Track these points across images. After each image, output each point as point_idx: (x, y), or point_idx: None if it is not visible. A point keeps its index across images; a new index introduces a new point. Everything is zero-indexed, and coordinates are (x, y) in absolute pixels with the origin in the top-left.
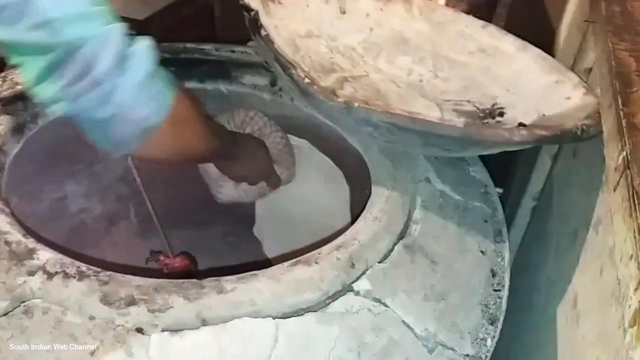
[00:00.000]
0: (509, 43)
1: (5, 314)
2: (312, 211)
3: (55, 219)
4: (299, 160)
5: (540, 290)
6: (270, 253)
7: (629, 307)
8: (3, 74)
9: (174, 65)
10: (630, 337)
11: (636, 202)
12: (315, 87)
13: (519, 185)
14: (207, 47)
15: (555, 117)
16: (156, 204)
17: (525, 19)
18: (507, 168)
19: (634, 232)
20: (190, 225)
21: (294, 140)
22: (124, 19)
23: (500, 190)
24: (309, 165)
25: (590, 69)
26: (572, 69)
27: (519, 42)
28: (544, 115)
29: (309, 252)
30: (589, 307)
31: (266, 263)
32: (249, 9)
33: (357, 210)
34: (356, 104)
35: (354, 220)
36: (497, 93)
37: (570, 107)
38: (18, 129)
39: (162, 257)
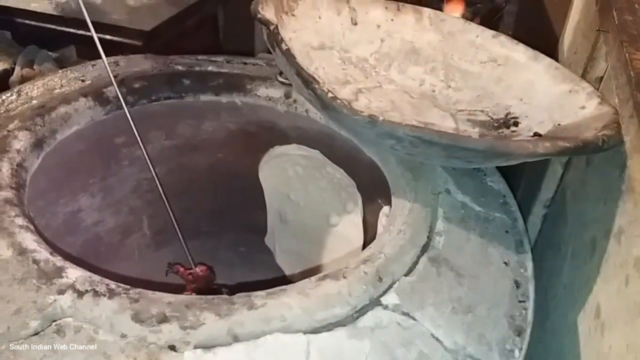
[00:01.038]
0: (520, 52)
1: (36, 334)
2: (323, 220)
3: (70, 232)
4: (312, 170)
5: (557, 298)
6: (281, 262)
7: None
8: (17, 88)
9: (189, 78)
10: None
11: None
12: (339, 101)
13: (528, 192)
14: (219, 58)
15: (570, 127)
16: (168, 216)
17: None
18: (513, 175)
19: None
20: (201, 235)
21: (307, 150)
22: (131, 30)
23: None
24: (321, 175)
25: (602, 78)
26: (584, 77)
27: (530, 51)
28: (559, 124)
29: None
30: (615, 318)
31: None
32: (268, 23)
33: (369, 219)
34: (381, 118)
35: (365, 229)
36: (511, 103)
37: (586, 116)
38: (37, 145)
39: (182, 269)
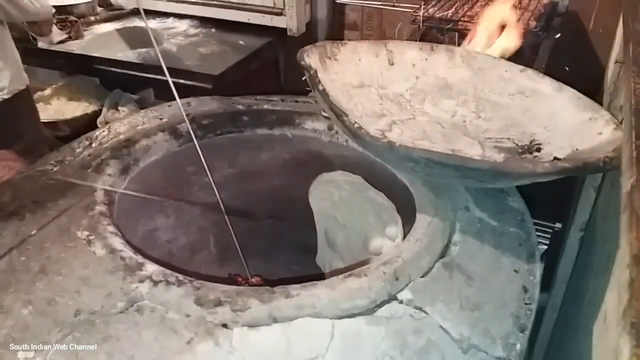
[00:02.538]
0: (546, 85)
1: (122, 312)
2: (367, 240)
3: (147, 247)
4: (355, 194)
5: (583, 314)
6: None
7: (622, 304)
8: (108, 126)
9: (248, 115)
10: (621, 329)
11: (635, 220)
12: (363, 130)
13: (568, 218)
14: (275, 98)
15: (586, 151)
16: (231, 235)
17: (570, 60)
18: (565, 204)
19: (631, 245)
20: (260, 254)
21: (350, 176)
22: (202, 74)
23: (559, 225)
24: (364, 199)
25: (622, 107)
26: (609, 106)
27: (555, 83)
28: (577, 149)
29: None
30: (612, 319)
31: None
32: (309, 69)
33: None
34: (398, 144)
35: None
36: (536, 130)
37: (602, 141)
38: (124, 171)
39: (240, 278)
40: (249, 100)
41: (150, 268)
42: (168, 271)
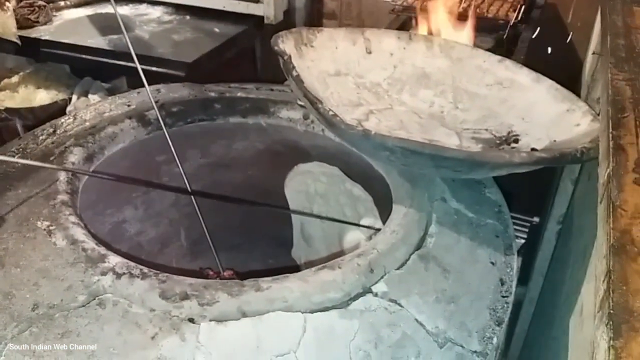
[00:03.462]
0: (524, 75)
1: (83, 306)
2: (343, 232)
3: (115, 240)
4: (332, 186)
5: (560, 307)
6: None
7: (599, 296)
8: (74, 113)
9: (220, 102)
10: (598, 321)
11: (611, 210)
12: (338, 118)
13: (545, 211)
14: (249, 86)
15: (564, 143)
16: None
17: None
18: (543, 198)
19: (607, 235)
20: (233, 248)
21: (326, 167)
22: (175, 61)
23: (537, 219)
24: (341, 191)
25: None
26: (587, 98)
27: (533, 74)
28: (554, 141)
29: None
30: (589, 312)
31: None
32: (282, 54)
33: None
34: (373, 132)
35: None
36: (513, 122)
37: (579, 132)
38: (89, 159)
39: (211, 272)
40: (221, 87)
41: (114, 260)
42: (132, 263)
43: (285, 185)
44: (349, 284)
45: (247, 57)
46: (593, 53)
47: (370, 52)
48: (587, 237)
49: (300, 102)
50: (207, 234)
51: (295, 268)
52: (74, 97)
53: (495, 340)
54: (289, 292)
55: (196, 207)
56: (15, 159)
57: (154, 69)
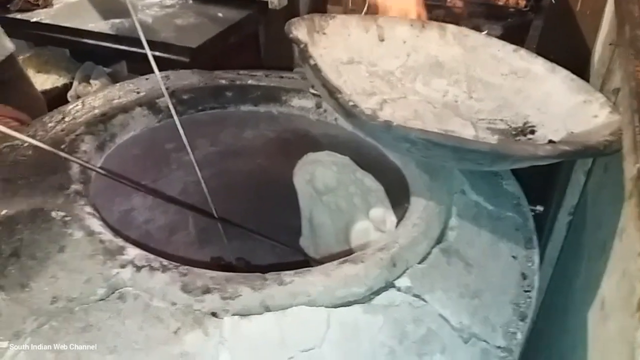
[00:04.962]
0: (539, 65)
1: (102, 299)
2: (352, 223)
3: (124, 228)
4: (342, 176)
5: (574, 299)
6: (314, 262)
7: (637, 295)
8: (82, 99)
9: (231, 90)
10: (636, 321)
11: None
12: (358, 109)
13: (556, 201)
14: (259, 73)
15: (582, 134)
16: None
17: (558, 41)
18: (547, 187)
19: None
20: (242, 235)
21: (336, 157)
22: (179, 46)
23: (541, 208)
24: (351, 181)
25: (618, 89)
26: (602, 89)
27: (548, 64)
28: (572, 132)
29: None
30: (613, 307)
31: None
32: (298, 42)
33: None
34: (395, 123)
35: None
36: (529, 112)
37: (598, 124)
38: (100, 148)
39: (221, 263)
40: (231, 74)
41: (132, 252)
42: (151, 256)
43: (294, 174)
44: (372, 279)
45: (251, 42)
46: (610, 44)
47: (383, 40)
48: (607, 231)
49: (313, 91)
50: (219, 223)
51: (304, 262)
52: (75, 82)
53: (519, 335)
54: (312, 286)
55: (207, 195)
56: (36, 142)
57: (157, 53)
